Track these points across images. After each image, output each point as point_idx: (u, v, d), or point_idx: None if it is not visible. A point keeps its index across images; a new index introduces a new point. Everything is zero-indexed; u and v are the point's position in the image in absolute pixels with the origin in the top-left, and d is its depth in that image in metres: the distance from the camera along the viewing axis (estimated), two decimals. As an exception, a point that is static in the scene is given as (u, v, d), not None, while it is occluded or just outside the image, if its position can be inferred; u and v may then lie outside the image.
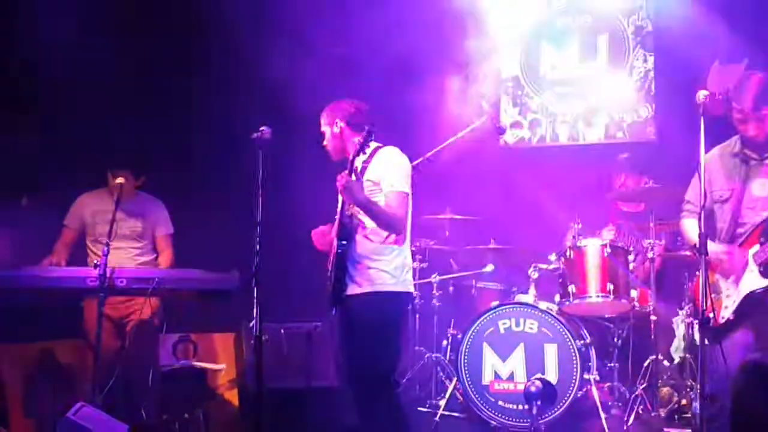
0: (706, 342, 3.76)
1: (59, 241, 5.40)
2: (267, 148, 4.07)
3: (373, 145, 4.17)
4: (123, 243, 5.36)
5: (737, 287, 3.84)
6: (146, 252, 5.52)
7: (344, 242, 4.03)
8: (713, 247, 3.89)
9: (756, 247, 3.83)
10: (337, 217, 4.13)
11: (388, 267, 4.04)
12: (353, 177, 3.95)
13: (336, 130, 4.24)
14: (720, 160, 4.06)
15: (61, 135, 5.98)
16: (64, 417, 3.91)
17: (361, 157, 4.08)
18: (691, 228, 4.13)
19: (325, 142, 4.30)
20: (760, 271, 3.79)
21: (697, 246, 3.64)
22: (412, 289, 4.23)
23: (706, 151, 3.84)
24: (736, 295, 3.83)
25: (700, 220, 3.72)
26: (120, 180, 5.11)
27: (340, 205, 4.15)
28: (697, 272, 3.78)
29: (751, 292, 3.80)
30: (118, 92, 6.13)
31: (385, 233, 4.04)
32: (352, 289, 4.05)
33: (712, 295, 3.91)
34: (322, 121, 4.30)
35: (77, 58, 5.87)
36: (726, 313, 3.85)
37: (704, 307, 3.59)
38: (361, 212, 4.02)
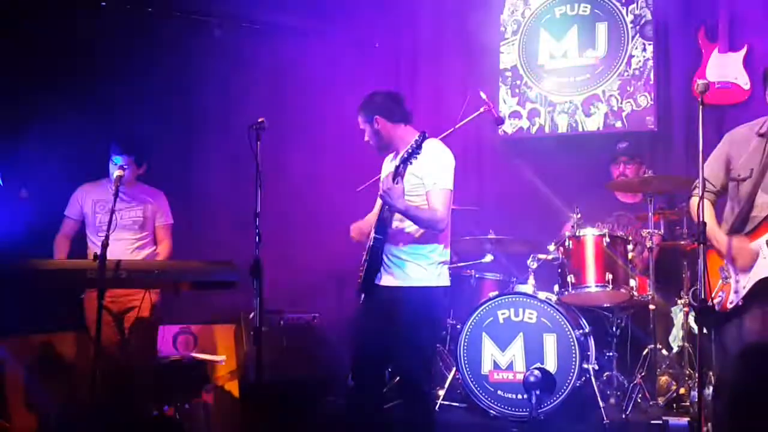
0: (705, 330, 3.78)
1: (60, 232, 5.40)
2: (265, 139, 4.08)
3: (414, 132, 4.19)
4: (124, 234, 5.36)
5: (748, 273, 3.81)
6: (147, 243, 5.51)
7: (380, 236, 4.07)
8: (733, 244, 3.85)
9: None
10: (377, 210, 4.18)
11: (424, 262, 4.10)
12: (395, 181, 3.94)
13: (376, 126, 4.23)
14: (745, 139, 3.98)
15: (62, 124, 5.98)
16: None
17: (406, 148, 4.05)
18: (698, 209, 4.09)
19: (366, 138, 4.29)
20: None
21: (698, 235, 3.63)
22: (448, 282, 4.23)
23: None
24: (746, 280, 3.79)
25: (699, 208, 3.71)
26: (119, 172, 5.11)
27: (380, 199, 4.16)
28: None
29: (763, 278, 3.75)
30: (118, 80, 6.13)
31: (423, 230, 4.09)
32: (387, 281, 4.11)
33: (720, 281, 3.91)
34: (360, 119, 4.27)
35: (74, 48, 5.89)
36: (736, 298, 3.82)
37: (703, 295, 3.60)
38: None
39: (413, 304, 4.03)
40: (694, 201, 4.02)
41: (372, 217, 4.33)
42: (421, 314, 4.04)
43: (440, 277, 4.15)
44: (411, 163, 3.93)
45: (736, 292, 3.82)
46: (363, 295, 4.17)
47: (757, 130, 3.96)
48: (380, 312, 4.09)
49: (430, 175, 4.06)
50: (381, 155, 4.40)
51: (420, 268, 4.09)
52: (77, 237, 5.43)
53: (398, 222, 4.11)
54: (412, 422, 4.08)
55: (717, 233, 3.94)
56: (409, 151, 3.91)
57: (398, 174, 3.93)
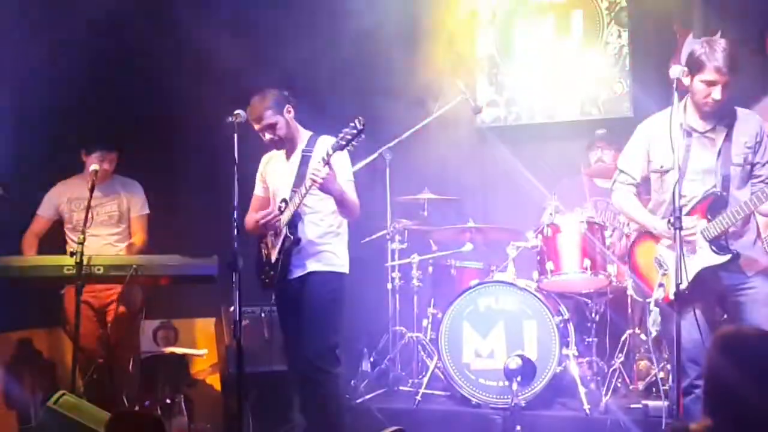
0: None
1: (29, 230, 5.36)
2: (242, 132, 4.07)
3: (307, 132, 4.42)
4: (101, 230, 5.33)
5: (688, 264, 3.73)
6: (125, 237, 5.48)
7: (292, 235, 4.22)
8: (661, 226, 3.90)
9: (703, 223, 3.82)
10: (284, 204, 4.28)
11: (336, 250, 4.34)
12: (326, 169, 4.01)
13: (288, 117, 4.36)
14: (661, 129, 3.96)
15: (37, 119, 5.92)
16: (46, 405, 3.90)
17: (301, 146, 4.34)
18: (624, 200, 4.15)
19: (277, 133, 4.32)
20: (712, 249, 3.81)
21: (675, 220, 3.64)
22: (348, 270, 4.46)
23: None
24: (686, 271, 3.76)
25: (675, 194, 3.71)
26: (95, 167, 5.07)
27: (285, 191, 4.32)
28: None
29: (704, 268, 3.81)
30: (94, 75, 6.07)
31: (334, 219, 4.32)
32: (300, 272, 4.27)
33: (659, 271, 3.91)
34: (269, 113, 4.29)
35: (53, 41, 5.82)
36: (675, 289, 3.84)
37: (679, 281, 3.61)
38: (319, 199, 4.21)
39: (327, 287, 4.27)
40: (618, 194, 4.16)
41: (261, 215, 4.34)
42: (334, 297, 4.29)
43: (345, 266, 4.40)
44: (332, 153, 4.00)
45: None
46: (274, 294, 4.42)
47: (676, 119, 3.90)
48: (295, 304, 4.29)
49: (341, 171, 4.22)
50: (276, 149, 4.48)
51: (334, 255, 4.33)
52: (46, 236, 5.40)
53: (311, 215, 4.28)
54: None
55: (648, 219, 4.02)
56: (347, 139, 3.95)
57: (326, 162, 4.01)
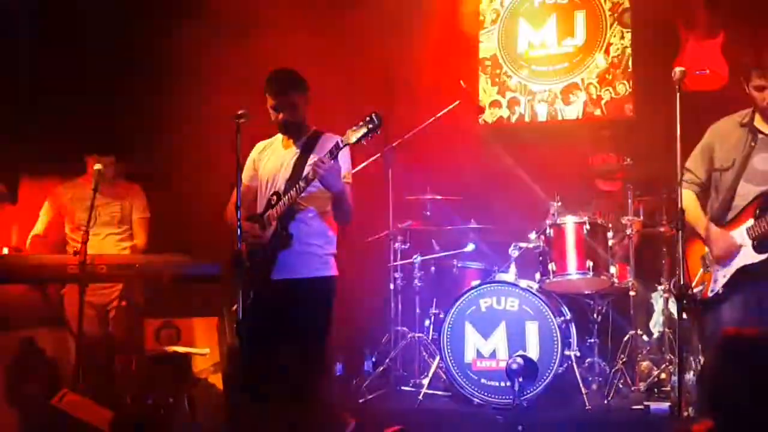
0: (684, 316, 3.82)
1: (34, 231, 5.38)
2: (248, 132, 4.06)
3: (311, 126, 4.19)
4: (103, 229, 5.35)
5: (728, 264, 3.86)
6: (127, 238, 5.51)
7: (286, 232, 4.01)
8: (712, 233, 3.91)
9: (750, 221, 3.84)
10: (276, 198, 4.06)
11: (328, 252, 4.13)
12: (332, 161, 3.81)
13: (305, 100, 4.15)
14: (728, 130, 4.05)
15: (39, 122, 5.93)
16: (49, 404, 3.90)
17: (303, 138, 4.12)
18: (685, 199, 4.02)
19: (293, 114, 4.08)
20: (753, 246, 3.81)
21: (677, 222, 3.67)
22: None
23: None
24: (728, 268, 3.85)
25: (678, 195, 3.74)
26: (98, 166, 5.08)
27: (279, 183, 4.09)
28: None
29: (743, 266, 3.82)
30: (95, 78, 6.08)
31: (327, 220, 4.10)
32: (288, 274, 4.02)
33: (702, 269, 3.97)
34: (294, 91, 4.08)
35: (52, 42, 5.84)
36: (716, 286, 3.88)
37: (682, 282, 3.64)
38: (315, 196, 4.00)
39: (321, 292, 4.05)
40: (683, 192, 4.07)
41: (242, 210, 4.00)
42: (328, 302, 4.07)
43: (334, 268, 4.16)
44: (343, 146, 3.82)
45: (716, 281, 3.88)
46: (253, 293, 3.95)
47: (740, 121, 4.01)
48: (279, 307, 4.00)
49: (344, 166, 4.01)
50: (280, 133, 4.23)
51: (328, 257, 4.11)
52: (52, 238, 5.41)
53: (304, 214, 4.05)
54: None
55: (701, 221, 3.98)
56: (363, 132, 3.77)
57: (335, 154, 3.82)
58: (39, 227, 5.41)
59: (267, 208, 4.09)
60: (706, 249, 4.00)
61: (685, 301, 3.76)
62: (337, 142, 3.84)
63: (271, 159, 4.23)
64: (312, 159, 3.97)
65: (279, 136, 4.26)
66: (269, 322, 3.97)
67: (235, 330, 3.75)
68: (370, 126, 3.78)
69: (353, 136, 3.80)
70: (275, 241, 4.02)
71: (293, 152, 4.15)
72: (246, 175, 4.20)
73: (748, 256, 3.83)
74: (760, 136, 3.94)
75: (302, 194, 3.94)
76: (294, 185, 3.94)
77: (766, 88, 3.87)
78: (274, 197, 4.07)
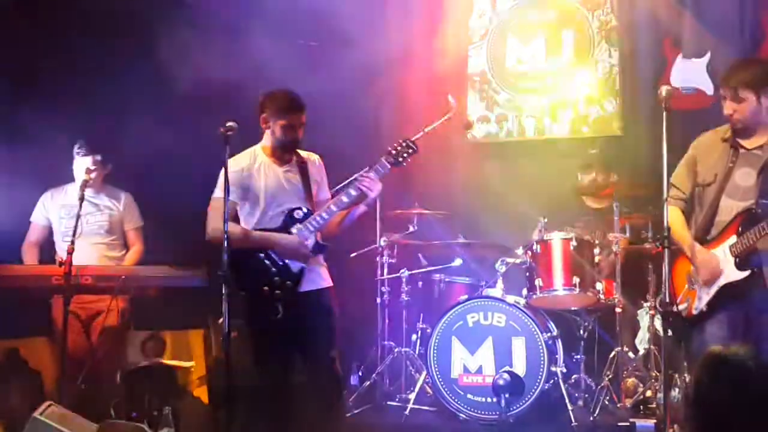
0: (669, 333, 3.84)
1: (27, 239, 5.34)
2: (236, 143, 4.06)
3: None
4: (91, 239, 5.31)
5: (713, 281, 3.87)
6: (115, 247, 5.47)
7: (318, 245, 4.18)
8: (697, 253, 3.92)
9: (733, 239, 3.84)
10: (301, 213, 4.18)
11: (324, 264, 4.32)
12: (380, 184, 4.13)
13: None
14: (710, 145, 4.07)
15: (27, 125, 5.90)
16: (32, 417, 3.87)
17: (295, 156, 4.28)
18: (670, 215, 4.01)
19: (301, 133, 4.24)
20: (735, 263, 3.82)
21: (663, 239, 3.69)
22: None
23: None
24: (711, 286, 3.86)
25: (665, 214, 3.76)
26: (85, 176, 5.06)
27: (288, 200, 4.20)
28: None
29: (726, 284, 3.83)
30: (84, 81, 6.06)
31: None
32: (312, 286, 4.17)
33: (687, 286, 3.98)
34: (304, 111, 4.24)
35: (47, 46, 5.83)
36: (700, 304, 3.89)
37: (668, 299, 3.66)
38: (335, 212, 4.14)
39: (329, 302, 4.23)
40: (669, 209, 4.09)
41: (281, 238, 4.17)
42: (335, 312, 4.25)
43: None
44: (389, 168, 4.16)
45: (700, 298, 3.89)
46: (281, 305, 4.10)
47: (722, 136, 4.04)
48: (305, 317, 4.14)
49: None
50: (284, 152, 4.30)
51: (326, 270, 4.31)
52: (46, 244, 5.37)
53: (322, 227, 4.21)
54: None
55: (686, 240, 3.99)
56: (403, 156, 4.17)
57: (382, 175, 4.11)
58: (31, 235, 5.37)
59: (289, 223, 4.17)
60: (692, 267, 4.01)
61: (670, 319, 3.78)
62: (383, 162, 4.13)
63: (268, 176, 4.25)
64: (314, 174, 4.26)
65: (258, 154, 4.30)
66: (299, 332, 4.12)
67: (222, 346, 3.79)
68: (410, 150, 4.18)
69: (396, 160, 4.16)
70: (315, 254, 4.18)
71: (291, 170, 4.28)
72: (233, 193, 4.12)
73: (730, 274, 3.84)
74: (741, 151, 3.96)
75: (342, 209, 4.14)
76: (334, 202, 4.14)
77: (726, 99, 3.93)
78: (299, 212, 4.17)
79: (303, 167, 4.28)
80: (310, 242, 4.16)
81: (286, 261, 4.13)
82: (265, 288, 4.09)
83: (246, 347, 4.27)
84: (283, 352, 4.18)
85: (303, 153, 4.34)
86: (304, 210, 4.19)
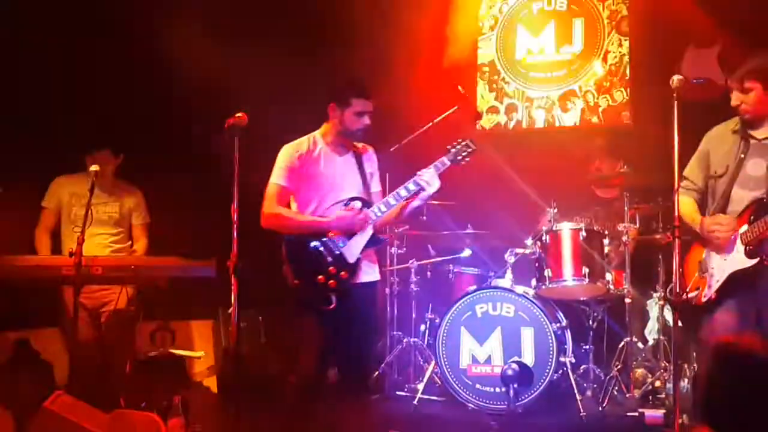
0: (680, 323, 3.84)
1: (40, 225, 5.34)
2: (243, 134, 4.05)
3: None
4: (99, 229, 5.32)
5: (725, 257, 3.88)
6: (122, 239, 5.48)
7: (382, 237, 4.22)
8: (706, 221, 3.95)
9: (744, 227, 3.85)
10: (360, 203, 4.13)
11: None
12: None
13: None
14: (721, 137, 4.09)
15: (37, 121, 5.92)
16: (43, 406, 3.89)
17: (352, 147, 4.24)
18: (682, 204, 4.07)
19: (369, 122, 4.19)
20: (745, 251, 3.82)
21: (673, 229, 3.69)
22: None
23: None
24: (721, 274, 3.87)
25: (675, 203, 3.76)
26: (95, 167, 5.07)
27: (348, 189, 4.15)
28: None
29: (735, 271, 3.83)
30: (94, 76, 6.08)
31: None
32: (366, 277, 4.13)
33: (697, 274, 3.97)
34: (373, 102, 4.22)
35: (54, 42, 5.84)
36: (709, 291, 3.89)
37: (678, 289, 3.66)
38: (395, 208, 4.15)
39: (377, 296, 4.25)
40: (680, 198, 4.07)
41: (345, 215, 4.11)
42: (378, 306, 4.35)
43: None
44: (448, 164, 4.20)
45: (709, 286, 3.88)
46: (335, 296, 4.03)
47: (732, 127, 4.03)
48: (357, 309, 4.09)
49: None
50: (355, 141, 4.28)
51: (376, 263, 4.27)
52: (57, 230, 5.39)
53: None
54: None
55: (696, 216, 4.01)
56: (462, 155, 4.22)
57: (441, 172, 4.13)
58: (43, 221, 5.38)
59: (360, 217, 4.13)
60: (704, 254, 4.01)
61: (680, 309, 3.78)
62: (443, 160, 4.17)
63: (328, 165, 4.18)
64: (368, 167, 4.25)
65: (318, 141, 4.22)
66: (352, 323, 4.07)
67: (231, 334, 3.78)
68: (469, 150, 4.22)
69: (456, 159, 4.20)
70: (368, 247, 4.13)
71: (350, 161, 4.23)
72: (286, 179, 4.13)
73: (739, 261, 3.84)
74: (752, 141, 3.97)
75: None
76: (394, 195, 4.11)
77: (733, 90, 3.97)
78: (357, 202, 4.12)
79: (359, 158, 4.24)
80: (367, 233, 4.10)
81: (342, 251, 4.05)
82: (320, 277, 4.00)
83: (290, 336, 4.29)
84: (329, 343, 4.08)
85: (358, 144, 4.29)
86: (363, 200, 4.14)
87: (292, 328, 4.23)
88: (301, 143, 4.21)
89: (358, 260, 4.08)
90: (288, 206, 4.17)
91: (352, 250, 4.06)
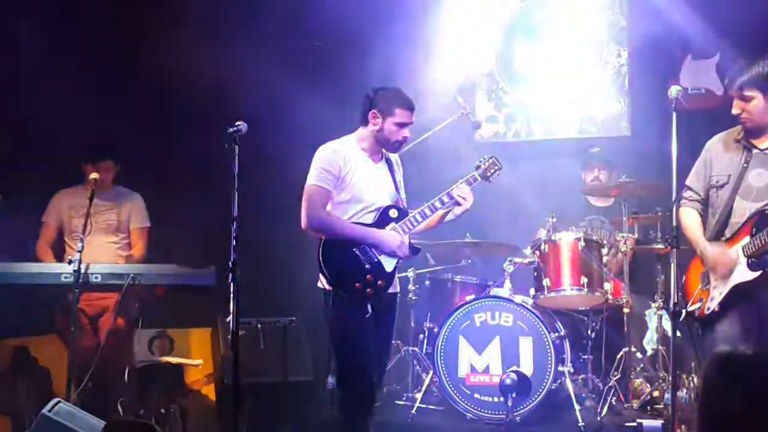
0: (678, 333, 3.83)
1: (41, 239, 5.38)
2: (243, 143, 4.05)
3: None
4: (99, 237, 5.34)
5: (726, 280, 3.87)
6: (124, 246, 5.50)
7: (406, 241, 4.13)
8: (710, 254, 3.93)
9: (746, 239, 3.84)
10: (397, 213, 4.13)
11: None
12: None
13: None
14: (723, 146, 4.08)
15: (37, 130, 5.93)
16: (40, 414, 3.89)
17: (385, 156, 4.25)
18: (684, 217, 4.11)
19: (407, 134, 4.18)
20: (748, 264, 3.82)
21: (671, 239, 3.70)
22: None
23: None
24: (723, 286, 3.87)
25: (675, 212, 3.77)
26: (94, 175, 5.09)
27: (382, 197, 4.14)
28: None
29: (738, 284, 3.83)
30: (92, 85, 6.08)
31: None
32: (393, 288, 4.17)
33: (700, 286, 3.97)
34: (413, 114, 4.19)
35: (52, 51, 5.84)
36: (712, 304, 3.88)
37: (676, 300, 3.66)
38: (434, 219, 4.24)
39: (397, 307, 4.29)
40: (681, 210, 4.08)
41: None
42: None
43: None
44: (480, 180, 4.31)
45: (712, 299, 3.88)
46: (370, 304, 4.00)
47: (734, 137, 4.04)
48: (385, 318, 4.16)
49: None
50: (392, 151, 4.28)
51: None
52: (58, 244, 5.41)
53: None
54: None
55: (699, 240, 4.00)
56: (491, 172, 4.33)
57: (471, 185, 4.22)
58: (43, 236, 5.41)
59: (384, 222, 4.10)
60: (706, 268, 4.01)
61: (680, 319, 3.78)
62: (475, 175, 4.26)
63: (362, 172, 4.13)
64: (397, 176, 4.26)
65: (353, 146, 4.17)
66: (378, 331, 4.09)
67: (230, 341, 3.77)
68: (496, 167, 4.34)
69: (485, 175, 4.32)
70: (404, 256, 4.14)
71: (383, 168, 4.23)
72: (329, 182, 4.06)
73: (742, 273, 3.84)
74: (754, 151, 3.97)
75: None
76: (429, 206, 4.16)
77: (734, 98, 3.97)
78: (394, 211, 4.12)
79: (390, 166, 4.24)
80: (405, 243, 4.10)
81: (380, 259, 4.02)
82: (358, 285, 3.96)
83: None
84: (367, 351, 4.05)
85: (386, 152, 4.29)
86: (400, 209, 4.14)
87: (323, 334, 4.17)
88: (339, 146, 4.15)
89: (395, 269, 4.09)
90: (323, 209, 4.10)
91: (391, 258, 4.06)
